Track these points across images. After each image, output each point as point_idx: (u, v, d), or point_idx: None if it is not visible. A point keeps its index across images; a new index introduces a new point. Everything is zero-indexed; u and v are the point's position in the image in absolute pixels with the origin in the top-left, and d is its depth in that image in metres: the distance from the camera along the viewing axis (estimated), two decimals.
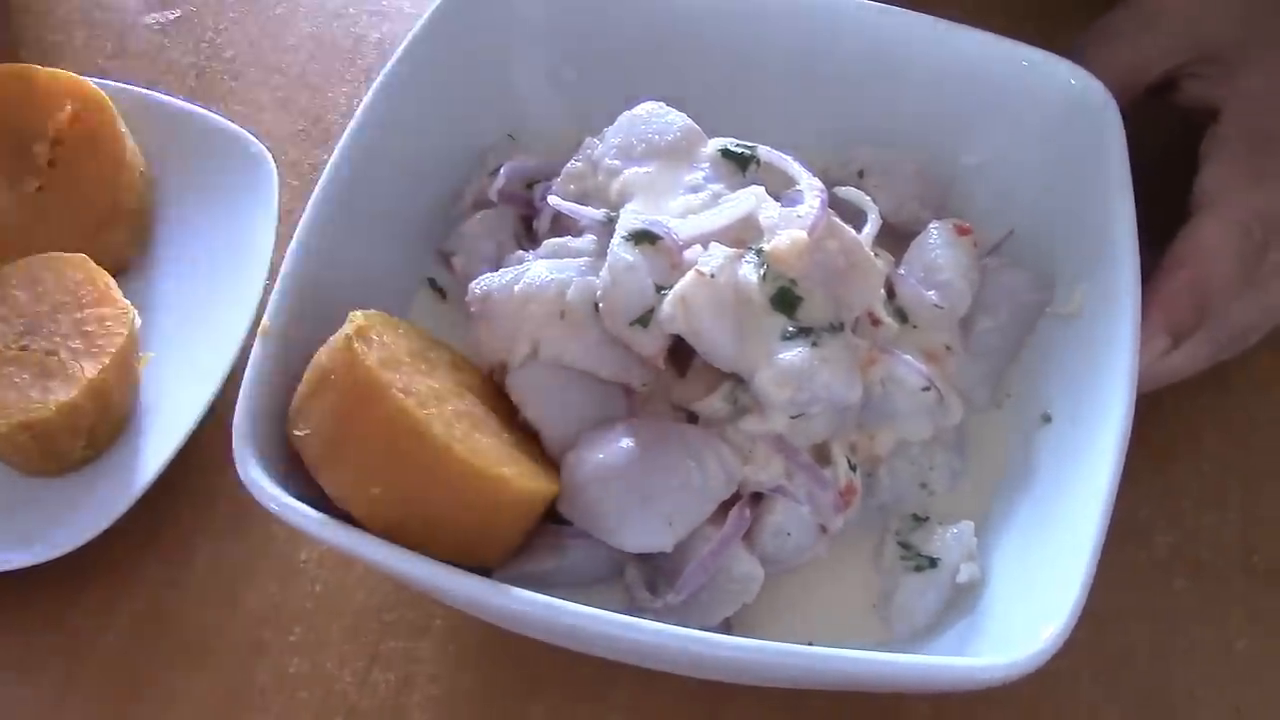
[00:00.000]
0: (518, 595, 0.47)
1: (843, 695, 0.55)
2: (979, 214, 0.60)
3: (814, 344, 0.50)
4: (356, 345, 0.49)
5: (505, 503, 0.49)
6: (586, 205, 0.57)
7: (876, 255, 0.55)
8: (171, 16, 0.77)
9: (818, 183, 0.54)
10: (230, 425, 0.50)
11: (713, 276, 0.50)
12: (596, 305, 0.52)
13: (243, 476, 0.49)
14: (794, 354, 0.50)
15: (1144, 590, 0.57)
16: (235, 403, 0.51)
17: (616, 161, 0.56)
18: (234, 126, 0.68)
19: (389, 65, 0.59)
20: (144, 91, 0.71)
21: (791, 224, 0.52)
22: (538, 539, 0.52)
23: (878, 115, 0.61)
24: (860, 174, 0.59)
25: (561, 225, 0.58)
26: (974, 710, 0.55)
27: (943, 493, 0.55)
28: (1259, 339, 0.58)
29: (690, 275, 0.50)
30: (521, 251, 0.57)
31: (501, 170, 0.60)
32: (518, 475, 0.50)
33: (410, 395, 0.49)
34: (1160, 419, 0.58)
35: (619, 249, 0.52)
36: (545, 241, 0.57)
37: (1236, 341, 0.58)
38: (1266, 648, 0.56)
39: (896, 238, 0.58)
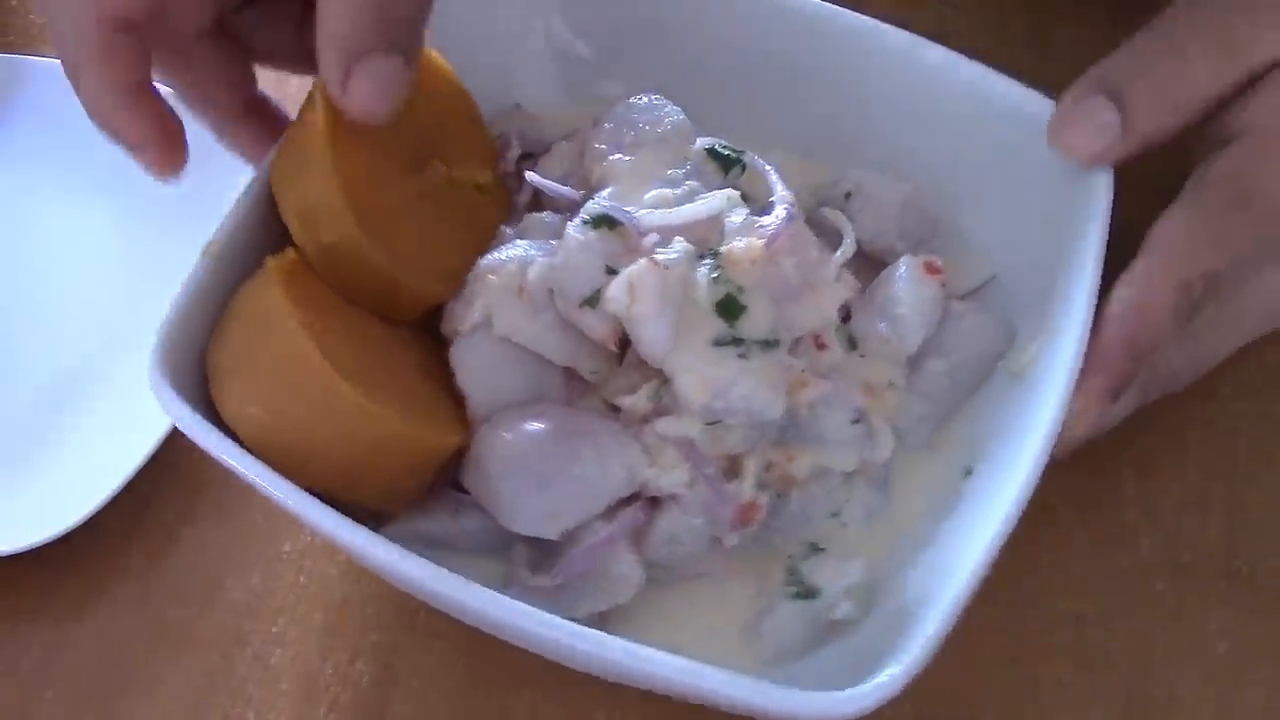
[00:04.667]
0: (373, 539, 0.47)
1: None
2: (966, 254, 0.59)
3: (741, 355, 0.50)
4: (274, 270, 0.50)
5: (385, 441, 0.49)
6: (570, 184, 0.57)
7: (839, 279, 0.55)
8: None
9: (790, 197, 0.53)
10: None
11: (667, 268, 0.50)
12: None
13: (151, 387, 0.49)
14: (719, 361, 0.50)
15: (1126, 593, 0.58)
16: None
17: (604, 146, 0.57)
18: None
19: None
20: None
21: (752, 232, 0.52)
22: (437, 501, 0.53)
23: (882, 142, 0.60)
24: (847, 195, 0.59)
25: (544, 202, 0.58)
26: (956, 713, 0.55)
27: (855, 527, 0.54)
28: (1189, 382, 0.57)
29: (644, 261, 0.50)
30: (505, 228, 0.57)
31: (513, 135, 0.60)
32: (403, 418, 0.50)
33: (312, 325, 0.49)
34: (1145, 423, 0.58)
35: (574, 229, 0.52)
36: (525, 217, 0.57)
37: (1167, 386, 0.57)
38: (1248, 650, 0.56)
39: (872, 265, 0.58)
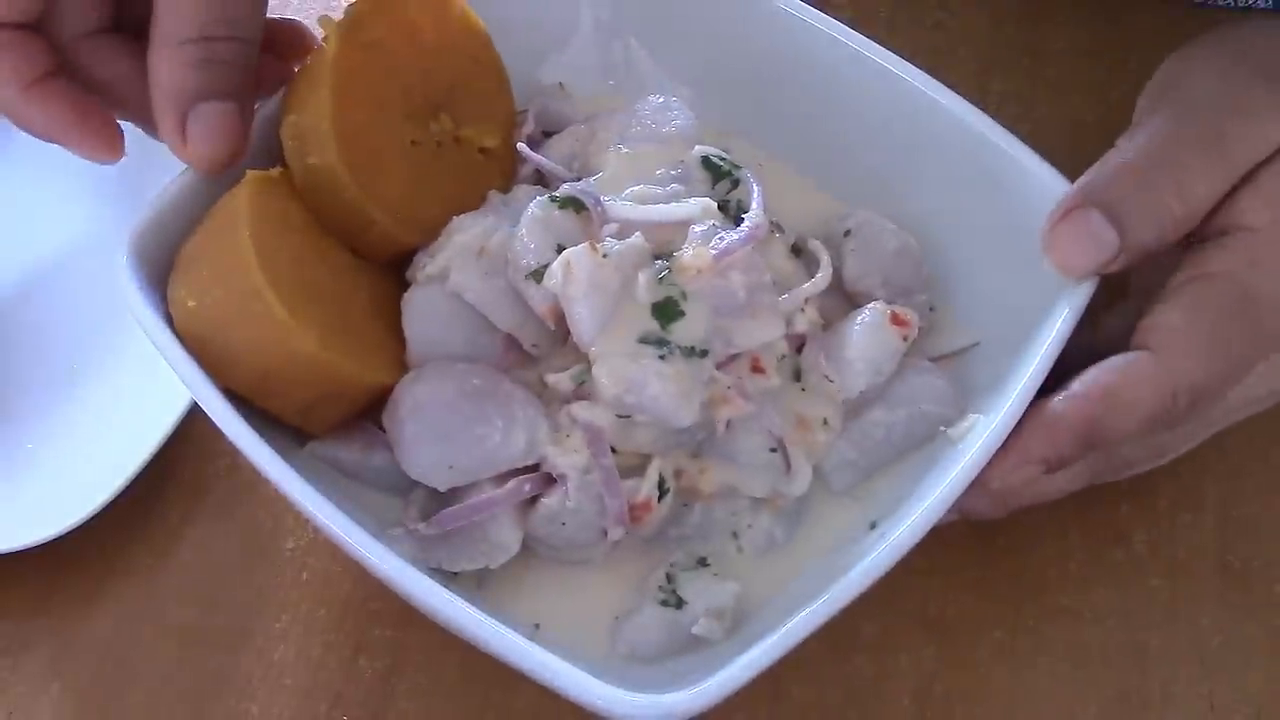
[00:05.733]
0: (254, 441, 0.49)
1: (825, 686, 0.56)
2: (956, 317, 0.59)
3: (661, 356, 0.51)
4: (250, 179, 0.52)
5: (299, 358, 0.51)
6: (573, 166, 0.58)
7: (803, 311, 0.55)
8: None
9: (761, 218, 0.54)
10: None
11: (605, 256, 0.51)
12: None
13: (121, 267, 0.51)
14: (637, 357, 0.51)
15: (1120, 589, 0.58)
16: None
17: (610, 135, 0.58)
18: None
19: None
20: None
21: (709, 243, 0.52)
22: (358, 432, 0.54)
23: (897, 190, 0.60)
24: (846, 233, 0.59)
25: (547, 179, 0.59)
26: (952, 708, 0.56)
27: (753, 554, 0.54)
28: (1140, 471, 0.57)
29: (583, 245, 0.52)
30: (494, 193, 0.58)
31: (530, 112, 0.61)
32: (323, 341, 0.51)
33: (261, 233, 0.51)
34: None
35: (537, 204, 0.53)
36: (516, 187, 0.58)
37: (1119, 471, 0.56)
38: (1240, 645, 0.57)
39: (852, 305, 0.58)
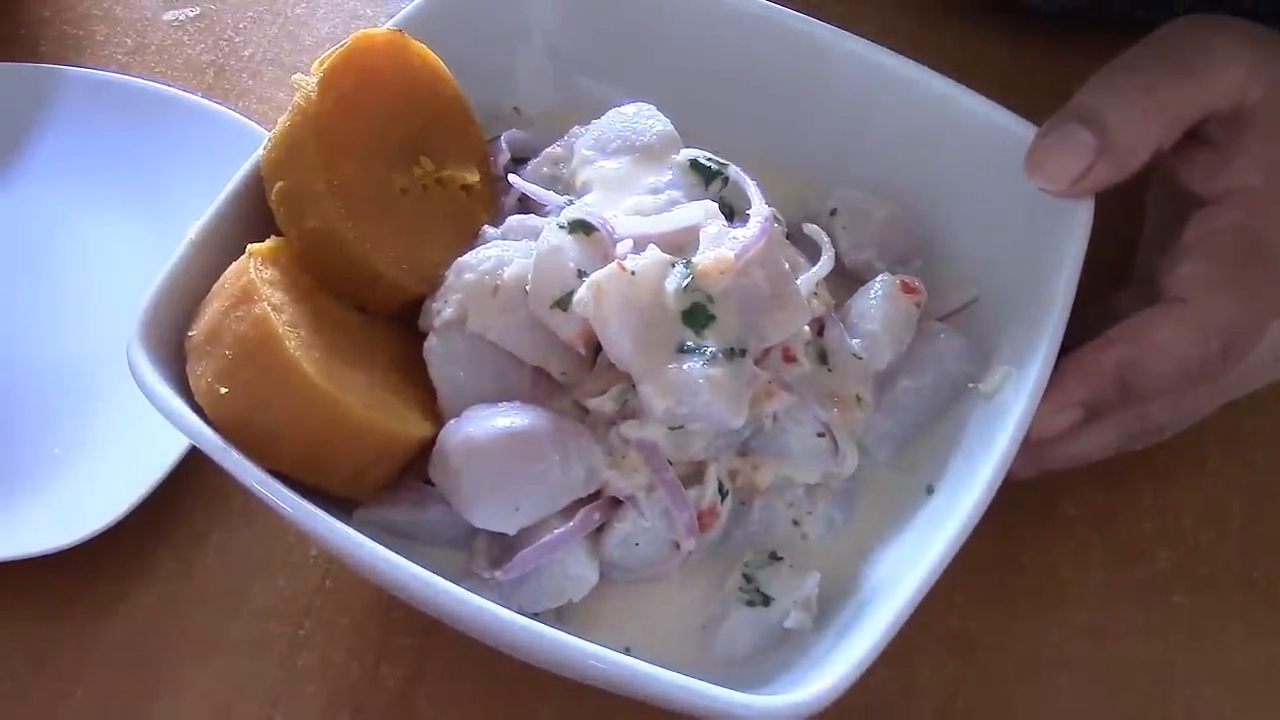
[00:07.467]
0: (329, 523, 0.49)
1: (847, 700, 0.55)
2: (951, 276, 0.59)
3: (705, 363, 0.51)
4: (252, 253, 0.52)
5: (344, 426, 0.50)
6: (555, 189, 0.58)
7: (816, 295, 0.55)
8: (191, 14, 0.78)
9: (766, 211, 0.54)
10: None
11: (633, 274, 0.51)
12: None
13: (129, 361, 0.51)
14: (683, 368, 0.51)
15: (1144, 605, 0.58)
16: None
17: (590, 152, 0.58)
18: (252, 124, 0.68)
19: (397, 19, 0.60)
20: (162, 87, 0.72)
21: (725, 244, 0.52)
22: (403, 492, 0.54)
23: (872, 163, 0.61)
24: (832, 212, 0.59)
25: (529, 204, 0.59)
26: None
27: (816, 539, 0.55)
28: (1170, 436, 0.57)
29: (611, 266, 0.51)
30: (488, 227, 0.58)
31: (502, 140, 0.61)
32: (364, 405, 0.51)
33: (281, 308, 0.51)
34: None
35: (550, 232, 0.53)
36: (507, 218, 0.57)
37: (1149, 436, 0.56)
38: (1265, 662, 0.57)
39: (852, 282, 0.59)
